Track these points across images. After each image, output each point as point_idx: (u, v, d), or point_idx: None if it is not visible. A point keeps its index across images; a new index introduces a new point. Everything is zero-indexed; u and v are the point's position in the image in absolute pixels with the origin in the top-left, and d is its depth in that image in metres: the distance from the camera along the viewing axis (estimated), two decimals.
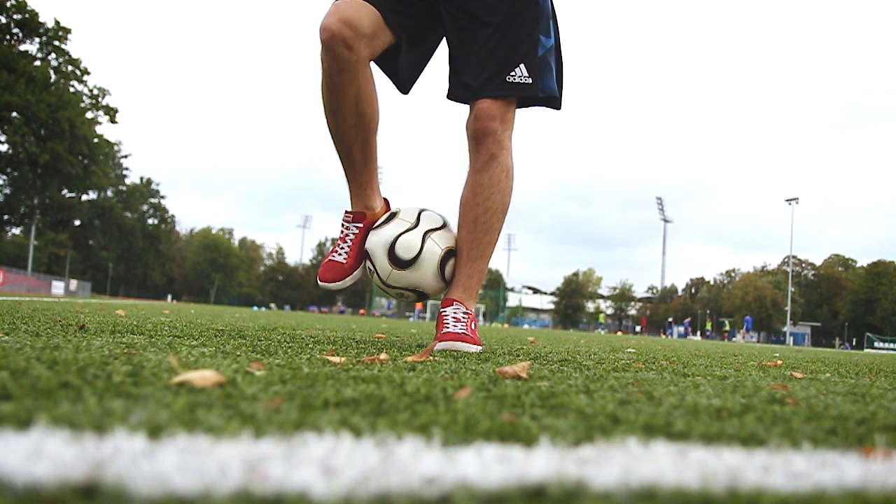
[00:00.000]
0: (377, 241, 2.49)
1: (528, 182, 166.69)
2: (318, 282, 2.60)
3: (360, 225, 2.59)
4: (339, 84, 2.41)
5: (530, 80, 2.40)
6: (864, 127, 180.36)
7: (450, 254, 2.51)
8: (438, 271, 2.49)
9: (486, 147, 2.44)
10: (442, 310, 2.43)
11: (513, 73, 2.38)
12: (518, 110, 2.57)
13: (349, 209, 2.62)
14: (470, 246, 2.48)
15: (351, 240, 2.59)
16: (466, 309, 2.43)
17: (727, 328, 46.61)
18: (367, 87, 2.48)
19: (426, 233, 2.49)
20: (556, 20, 2.59)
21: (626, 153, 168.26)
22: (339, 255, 2.59)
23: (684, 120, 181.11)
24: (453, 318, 2.38)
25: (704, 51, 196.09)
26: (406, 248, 2.45)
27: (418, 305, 49.96)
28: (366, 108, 2.49)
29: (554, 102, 2.58)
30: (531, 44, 2.41)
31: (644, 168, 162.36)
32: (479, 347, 2.35)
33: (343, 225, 2.64)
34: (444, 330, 2.33)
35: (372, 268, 2.51)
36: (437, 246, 2.49)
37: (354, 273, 2.57)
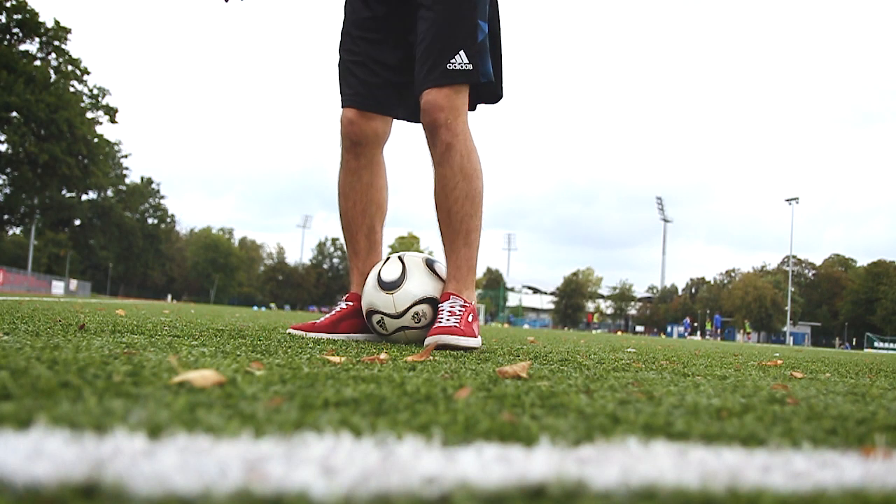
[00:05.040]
0: (368, 290, 2.58)
1: (530, 183, 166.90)
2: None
3: (351, 303, 2.70)
4: (354, 168, 2.71)
5: (471, 67, 2.39)
6: (864, 128, 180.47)
7: (432, 261, 2.61)
8: (430, 271, 2.55)
9: (440, 139, 2.44)
10: (439, 305, 2.43)
11: (453, 60, 2.38)
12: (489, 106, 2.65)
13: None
14: (452, 238, 2.48)
15: (336, 311, 2.71)
16: (463, 301, 2.41)
17: (748, 330, 46.82)
18: (379, 174, 2.76)
19: (400, 256, 2.61)
20: (496, 6, 2.57)
21: (628, 153, 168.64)
22: (320, 318, 2.72)
23: (687, 120, 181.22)
24: (448, 311, 2.36)
25: (707, 51, 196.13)
26: (389, 271, 2.55)
27: None
28: (375, 195, 2.74)
29: (492, 89, 2.56)
30: (471, 29, 2.40)
31: (646, 168, 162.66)
32: (474, 340, 2.31)
33: (336, 303, 2.78)
34: (437, 325, 2.32)
35: (380, 316, 2.53)
36: (415, 256, 2.60)
37: (322, 334, 2.60)
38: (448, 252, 2.51)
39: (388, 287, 2.51)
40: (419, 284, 2.51)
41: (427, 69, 2.42)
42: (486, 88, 2.57)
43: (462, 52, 2.38)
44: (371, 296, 2.55)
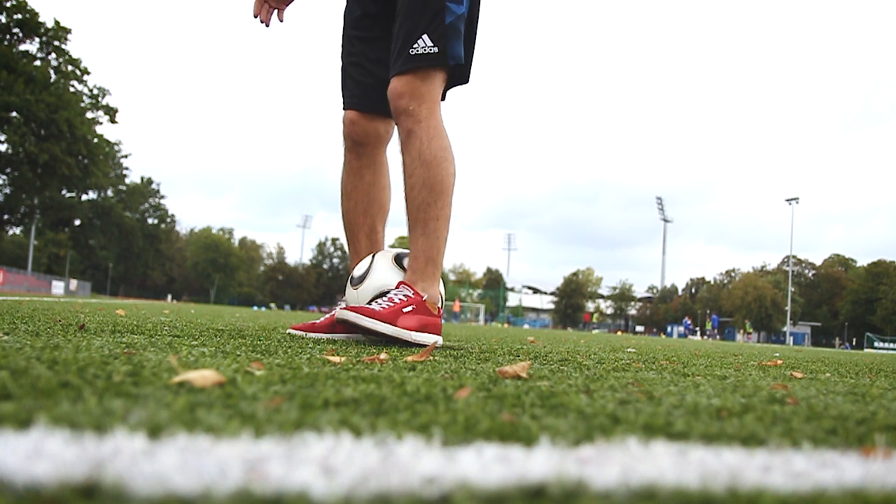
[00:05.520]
0: (346, 288, 2.63)
1: (530, 183, 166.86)
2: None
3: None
4: (356, 168, 2.73)
5: (436, 50, 2.34)
6: (864, 128, 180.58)
7: (403, 254, 2.59)
8: (395, 265, 2.53)
9: (402, 126, 2.42)
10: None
11: (415, 46, 2.34)
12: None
13: None
14: (412, 227, 2.44)
15: (336, 311, 2.70)
16: (411, 292, 2.33)
17: (749, 330, 47.10)
18: (381, 174, 2.77)
19: (375, 253, 2.62)
20: None
21: (629, 153, 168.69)
22: (320, 318, 2.73)
23: (687, 120, 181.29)
24: (387, 298, 2.33)
25: (707, 52, 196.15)
26: (359, 268, 2.58)
27: (456, 307, 49.81)
28: (377, 195, 2.75)
29: (461, 71, 2.50)
30: (436, 11, 2.36)
31: (646, 168, 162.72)
32: (388, 328, 2.20)
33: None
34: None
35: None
36: (389, 251, 2.60)
37: (322, 334, 2.61)
38: (410, 242, 2.47)
39: (355, 283, 2.55)
40: (380, 278, 2.49)
41: (395, 56, 2.40)
42: (457, 71, 2.50)
43: (425, 36, 2.34)
44: (347, 293, 2.60)
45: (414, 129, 2.38)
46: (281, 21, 2.78)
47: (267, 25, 2.74)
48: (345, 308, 2.29)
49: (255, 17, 2.74)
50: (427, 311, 2.33)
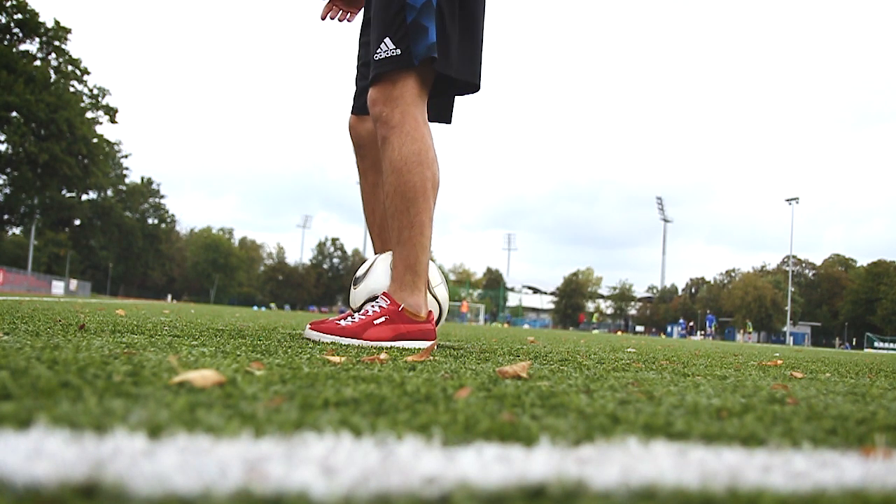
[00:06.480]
0: (350, 290, 2.65)
1: (530, 183, 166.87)
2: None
3: None
4: (362, 169, 2.80)
5: (398, 52, 2.28)
6: (864, 128, 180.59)
7: None
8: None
9: (378, 134, 2.40)
10: None
11: (379, 51, 2.32)
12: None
13: None
14: (391, 235, 2.43)
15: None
16: (388, 302, 2.34)
17: (749, 329, 47.29)
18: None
19: (377, 256, 2.63)
20: None
21: (629, 153, 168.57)
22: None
23: (687, 120, 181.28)
24: (363, 311, 2.37)
25: (707, 51, 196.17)
26: (361, 269, 2.62)
27: (464, 308, 49.93)
28: (382, 195, 2.75)
29: (439, 65, 2.34)
30: (396, 12, 2.30)
31: (646, 168, 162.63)
32: (349, 342, 2.24)
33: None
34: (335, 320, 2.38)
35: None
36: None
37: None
38: (392, 250, 2.47)
39: (355, 283, 2.58)
40: (374, 282, 2.49)
41: (370, 67, 2.40)
42: (437, 65, 2.36)
43: (387, 39, 2.30)
44: (350, 291, 2.62)
45: (387, 135, 2.35)
46: (350, 22, 2.87)
47: (340, 21, 2.86)
48: (310, 328, 2.36)
49: (323, 19, 2.83)
50: (405, 320, 2.33)
